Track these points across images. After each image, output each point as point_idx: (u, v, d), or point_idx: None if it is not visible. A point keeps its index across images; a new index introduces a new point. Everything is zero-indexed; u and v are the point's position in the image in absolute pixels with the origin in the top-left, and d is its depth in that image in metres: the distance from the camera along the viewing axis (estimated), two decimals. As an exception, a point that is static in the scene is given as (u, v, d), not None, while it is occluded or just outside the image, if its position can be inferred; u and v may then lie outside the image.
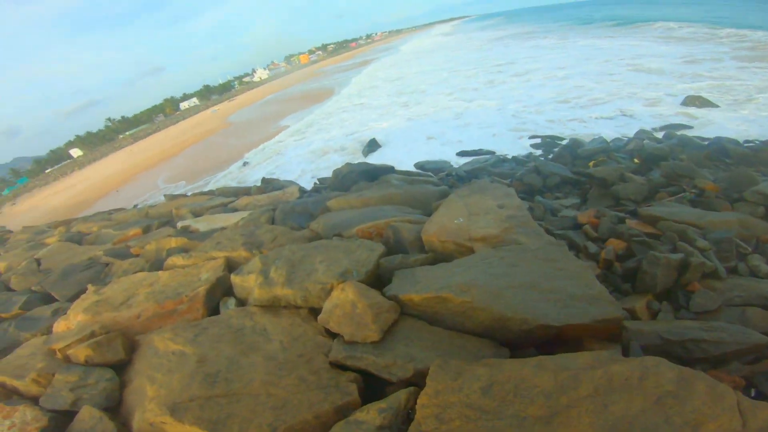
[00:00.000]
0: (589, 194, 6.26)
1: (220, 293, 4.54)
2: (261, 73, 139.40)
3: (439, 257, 3.70)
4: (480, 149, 12.07)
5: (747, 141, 9.92)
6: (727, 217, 4.28)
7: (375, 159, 13.13)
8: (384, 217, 4.62)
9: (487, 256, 3.21)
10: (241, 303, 4.30)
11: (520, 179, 7.89)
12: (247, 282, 4.17)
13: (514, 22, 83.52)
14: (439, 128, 15.12)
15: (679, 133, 10.44)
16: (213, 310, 4.33)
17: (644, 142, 9.53)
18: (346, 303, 3.08)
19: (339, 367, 2.95)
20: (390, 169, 9.09)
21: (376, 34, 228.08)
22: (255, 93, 77.36)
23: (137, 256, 7.01)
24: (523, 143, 12.01)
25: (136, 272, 5.96)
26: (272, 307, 3.86)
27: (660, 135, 10.77)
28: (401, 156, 12.89)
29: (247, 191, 10.90)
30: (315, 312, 3.63)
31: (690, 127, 11.35)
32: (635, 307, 3.13)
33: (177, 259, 5.51)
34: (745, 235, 4.14)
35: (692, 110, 12.65)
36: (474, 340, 2.78)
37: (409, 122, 17.03)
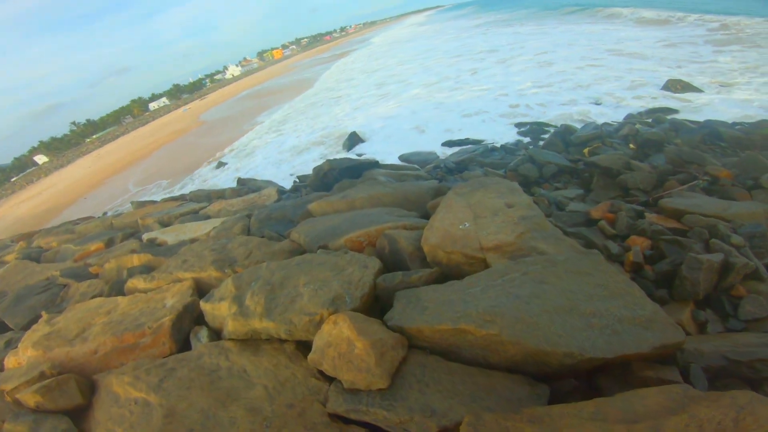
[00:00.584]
0: (593, 184, 5.82)
1: (189, 322, 3.87)
2: (233, 70, 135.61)
3: (446, 272, 3.15)
4: (467, 138, 11.57)
5: (735, 123, 9.72)
6: (753, 208, 3.88)
7: (357, 153, 12.50)
8: (375, 222, 4.03)
9: (506, 271, 2.67)
10: (216, 333, 3.67)
11: (514, 170, 7.41)
12: (219, 310, 3.54)
13: (488, 10, 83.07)
14: (422, 118, 14.53)
15: (668, 117, 10.20)
16: (182, 342, 3.71)
17: (637, 126, 9.22)
18: (340, 341, 2.50)
19: (340, 418, 2.40)
20: (374, 164, 8.51)
21: (350, 26, 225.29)
22: (228, 90, 74.92)
23: (96, 276, 6.30)
24: (510, 130, 11.58)
25: (94, 296, 5.22)
26: (251, 340, 3.24)
27: (649, 119, 10.51)
28: (385, 149, 12.30)
29: (221, 194, 10.13)
30: (303, 345, 3.01)
31: (676, 111, 11.10)
32: (682, 320, 2.67)
33: (138, 282, 4.79)
34: (772, 227, 3.75)
35: (676, 94, 12.47)
36: (503, 378, 2.24)
37: (391, 113, 16.37)
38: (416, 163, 9.84)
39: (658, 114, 10.67)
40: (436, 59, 29.50)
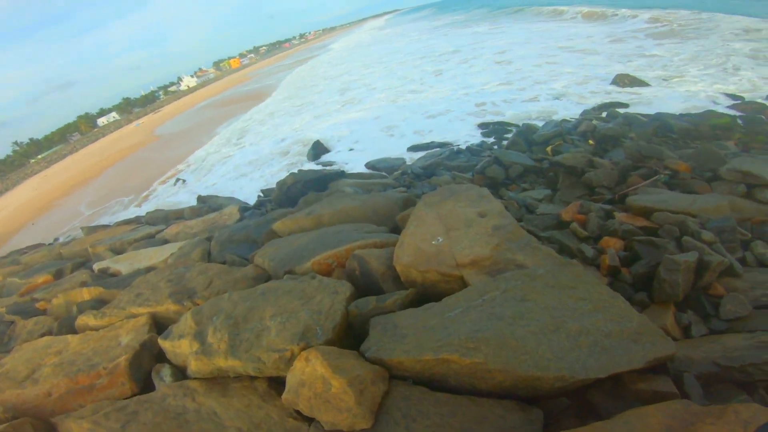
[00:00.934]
0: (559, 184, 5.84)
1: (149, 360, 3.60)
2: (188, 81, 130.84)
3: (421, 291, 2.98)
4: (432, 142, 11.54)
5: (682, 115, 10.15)
6: (718, 201, 3.96)
7: (323, 162, 12.19)
8: (344, 241, 3.81)
9: (485, 289, 2.53)
10: (181, 370, 3.37)
11: (482, 172, 7.38)
12: (179, 348, 3.25)
13: (445, 12, 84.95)
14: (388, 122, 14.40)
15: (622, 111, 10.55)
16: (144, 381, 3.44)
17: (593, 122, 9.46)
18: (315, 380, 2.27)
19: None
20: (340, 174, 8.28)
21: (309, 33, 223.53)
22: (184, 102, 72.11)
23: (44, 312, 5.80)
24: (475, 131, 11.66)
25: (42, 334, 4.83)
26: (219, 378, 2.96)
27: (603, 114, 10.83)
28: (351, 156, 12.06)
29: (179, 214, 9.58)
30: (276, 381, 2.79)
31: (626, 105, 11.49)
32: (666, 325, 2.61)
33: (88, 319, 4.41)
34: (737, 219, 3.82)
35: (624, 88, 12.93)
36: (494, 405, 2.09)
37: (356, 119, 16.14)
38: (383, 170, 9.68)
39: (611, 109, 11.01)
40: (399, 62, 29.56)
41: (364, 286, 3.32)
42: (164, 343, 3.39)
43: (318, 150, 12.96)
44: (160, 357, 3.60)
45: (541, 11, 37.90)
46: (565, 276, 2.46)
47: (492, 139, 10.79)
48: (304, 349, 2.61)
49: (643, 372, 2.12)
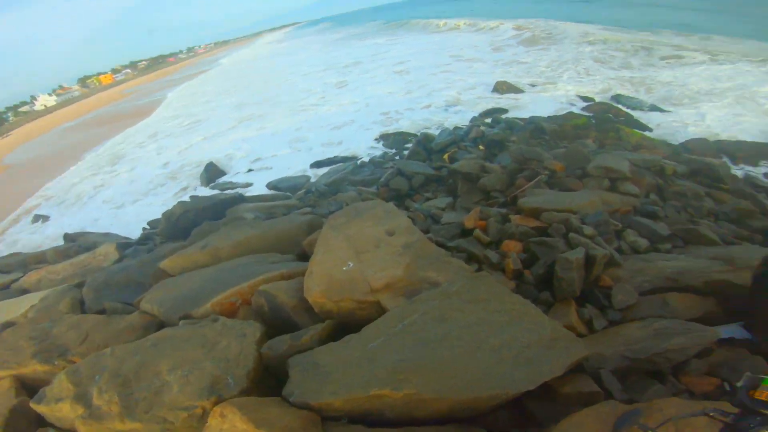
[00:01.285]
0: (459, 190, 6.13)
1: (27, 425, 3.07)
2: (45, 100, 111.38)
3: (338, 320, 2.78)
4: (335, 156, 11.40)
5: (549, 117, 11.48)
6: (590, 197, 4.46)
7: (220, 186, 11.21)
8: (247, 276, 3.43)
9: (403, 314, 2.43)
10: None
11: (386, 185, 7.44)
12: (60, 412, 2.70)
13: (343, 25, 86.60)
14: (289, 138, 13.86)
15: (504, 116, 11.60)
16: None
17: (482, 128, 10.23)
18: (236, 438, 1.95)
19: None
20: (238, 199, 7.65)
21: (199, 46, 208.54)
22: (39, 124, 61.16)
23: None
24: (377, 143, 11.82)
25: None
26: (123, 441, 2.44)
27: (488, 120, 11.79)
28: (250, 178, 11.31)
29: (41, 257, 7.96)
30: (195, 437, 2.38)
31: (506, 111, 12.64)
32: (572, 322, 2.80)
33: None
34: (608, 211, 4.34)
35: (503, 95, 14.23)
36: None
37: (254, 137, 15.25)
38: (286, 190, 9.25)
39: (495, 114, 12.05)
40: (302, 74, 29.02)
41: (275, 322, 3.02)
42: (39, 408, 2.84)
43: (212, 173, 11.90)
44: (41, 420, 3.00)
45: (429, 23, 41.08)
46: (479, 290, 2.49)
47: (393, 150, 11.03)
48: (216, 403, 2.29)
49: (564, 374, 2.22)
